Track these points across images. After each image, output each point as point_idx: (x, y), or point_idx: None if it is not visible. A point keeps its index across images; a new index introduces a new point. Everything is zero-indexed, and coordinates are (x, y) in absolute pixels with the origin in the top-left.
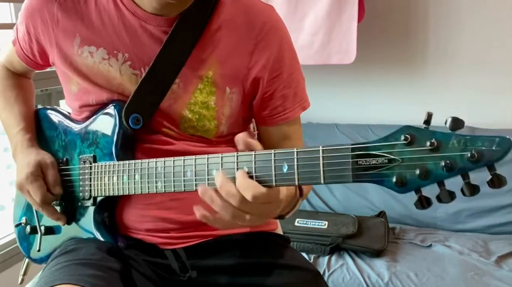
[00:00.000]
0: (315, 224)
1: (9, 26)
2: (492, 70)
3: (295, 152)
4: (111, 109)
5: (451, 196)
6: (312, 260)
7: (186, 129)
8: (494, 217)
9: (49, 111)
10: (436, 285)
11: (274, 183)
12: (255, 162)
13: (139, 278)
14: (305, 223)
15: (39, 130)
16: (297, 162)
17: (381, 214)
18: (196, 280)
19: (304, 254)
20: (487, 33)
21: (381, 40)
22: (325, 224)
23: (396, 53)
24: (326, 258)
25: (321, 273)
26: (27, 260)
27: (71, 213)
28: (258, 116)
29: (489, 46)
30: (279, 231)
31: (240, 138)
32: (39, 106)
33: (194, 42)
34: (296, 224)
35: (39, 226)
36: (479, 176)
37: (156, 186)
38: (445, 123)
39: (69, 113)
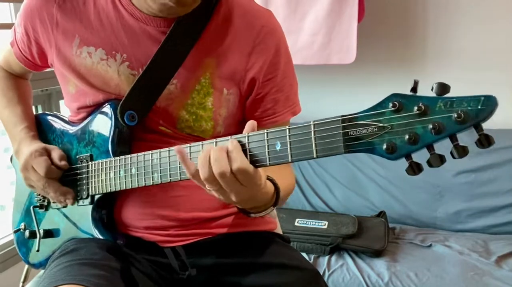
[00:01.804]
0: (315, 224)
1: (9, 26)
2: (492, 70)
3: (287, 130)
4: (106, 108)
5: (441, 159)
6: (312, 260)
7: (183, 129)
8: (494, 217)
9: (47, 117)
10: (436, 285)
11: (268, 162)
12: (248, 144)
13: (140, 276)
14: (305, 223)
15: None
16: (289, 139)
17: (381, 214)
18: (195, 278)
19: (304, 254)
20: (487, 33)
21: (381, 40)
22: (325, 224)
23: (396, 53)
24: (326, 258)
25: (321, 273)
26: (26, 267)
27: (69, 214)
28: (249, 117)
29: (488, 45)
30: (279, 230)
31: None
32: (39, 111)
33: (192, 43)
34: (296, 224)
35: (38, 230)
36: (480, 177)
37: (152, 177)
38: (432, 90)
39: (66, 116)
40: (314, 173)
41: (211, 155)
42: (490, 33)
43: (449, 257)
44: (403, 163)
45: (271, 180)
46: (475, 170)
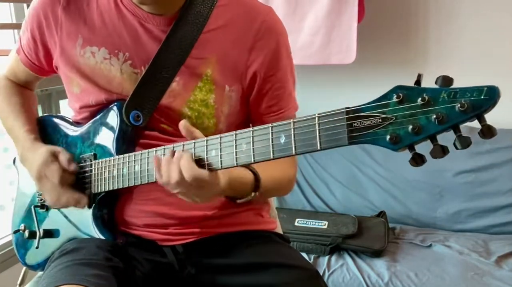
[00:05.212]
0: (315, 224)
1: (9, 26)
2: (493, 70)
3: (291, 123)
4: (112, 108)
5: (443, 150)
6: (312, 260)
7: None
8: (494, 217)
9: (51, 118)
10: (436, 285)
11: (272, 155)
12: (253, 137)
13: (140, 277)
14: (305, 223)
15: (42, 137)
16: (294, 131)
17: (381, 214)
18: (194, 276)
19: (304, 254)
20: (488, 33)
21: (381, 40)
22: (325, 224)
23: (397, 53)
24: (326, 258)
25: (321, 273)
26: (24, 269)
27: (70, 214)
28: (255, 113)
29: (489, 46)
30: (279, 230)
31: (182, 125)
32: (39, 111)
33: (193, 41)
34: (296, 224)
35: (38, 229)
36: (480, 177)
37: (155, 174)
38: (436, 83)
39: (70, 117)
40: (314, 173)
41: (162, 167)
42: (492, 32)
43: (449, 257)
44: (404, 162)
45: (251, 169)
46: (475, 170)
